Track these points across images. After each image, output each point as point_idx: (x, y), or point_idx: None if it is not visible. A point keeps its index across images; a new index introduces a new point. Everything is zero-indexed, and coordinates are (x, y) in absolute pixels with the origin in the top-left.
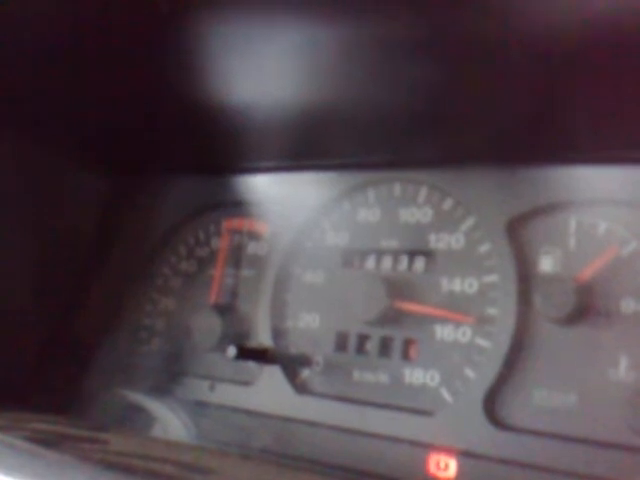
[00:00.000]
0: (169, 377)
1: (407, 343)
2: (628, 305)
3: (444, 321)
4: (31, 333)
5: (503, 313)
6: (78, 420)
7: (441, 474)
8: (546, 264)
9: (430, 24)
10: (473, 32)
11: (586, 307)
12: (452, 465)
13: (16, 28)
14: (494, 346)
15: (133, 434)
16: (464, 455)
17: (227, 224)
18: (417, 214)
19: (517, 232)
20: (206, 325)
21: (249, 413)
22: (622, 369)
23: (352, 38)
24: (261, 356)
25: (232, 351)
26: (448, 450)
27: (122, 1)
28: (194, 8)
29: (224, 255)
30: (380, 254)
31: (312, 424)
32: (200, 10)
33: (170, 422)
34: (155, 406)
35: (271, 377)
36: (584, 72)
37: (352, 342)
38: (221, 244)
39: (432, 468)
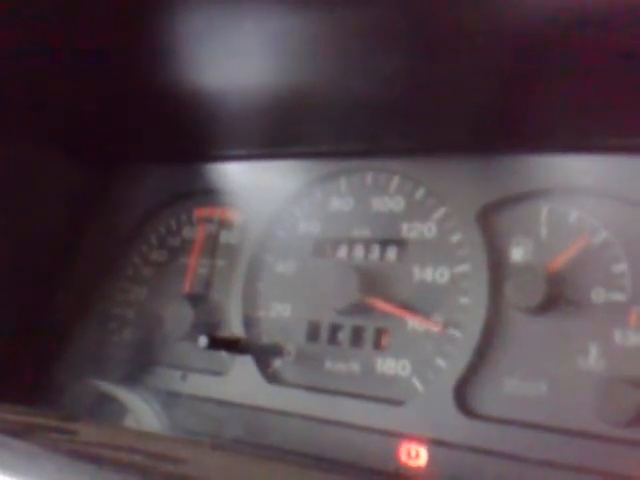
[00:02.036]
0: (140, 367)
1: (379, 333)
2: (598, 294)
3: None
4: (1, 324)
5: (474, 303)
6: (48, 410)
7: (412, 463)
8: (517, 253)
9: (402, 13)
10: (445, 21)
11: (557, 296)
12: (423, 454)
13: None
14: (465, 336)
15: (103, 424)
16: (435, 444)
17: (199, 212)
18: (389, 203)
19: (488, 221)
20: (178, 314)
21: (221, 403)
22: (592, 358)
23: (324, 26)
24: (233, 346)
25: (203, 341)
26: (419, 439)
27: None
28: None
29: (199, 244)
30: (352, 243)
31: (284, 414)
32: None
33: (142, 412)
34: (127, 396)
35: (243, 367)
36: (554, 61)
37: (324, 332)
38: (196, 233)
39: (403, 457)
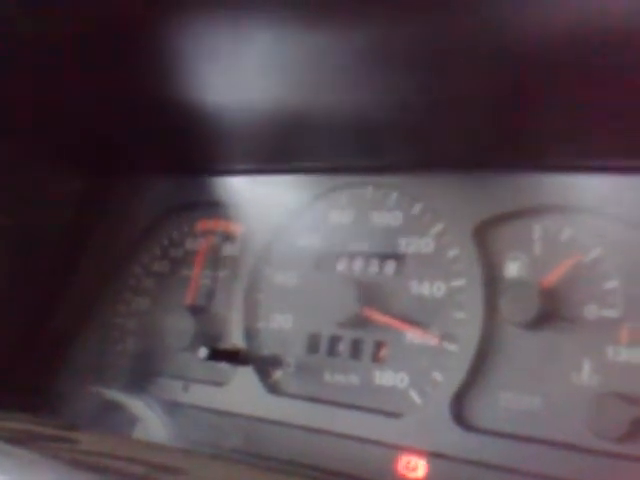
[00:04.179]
0: (143, 377)
1: (377, 345)
2: (591, 311)
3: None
4: (4, 333)
5: (470, 317)
6: (50, 419)
7: (410, 475)
8: (512, 269)
9: (403, 34)
10: (443, 41)
11: (550, 312)
12: (421, 466)
13: None
14: (461, 350)
15: (104, 434)
16: (432, 456)
17: (201, 225)
18: (388, 218)
19: (484, 237)
20: (179, 325)
21: (222, 413)
22: (585, 373)
23: (325, 46)
24: (233, 357)
25: (203, 352)
26: (417, 451)
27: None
28: (168, 12)
29: (202, 257)
30: (352, 257)
31: (283, 424)
32: (174, 14)
33: (148, 419)
34: (132, 403)
35: (244, 378)
36: (550, 83)
37: (324, 344)
38: (199, 245)
39: (401, 469)
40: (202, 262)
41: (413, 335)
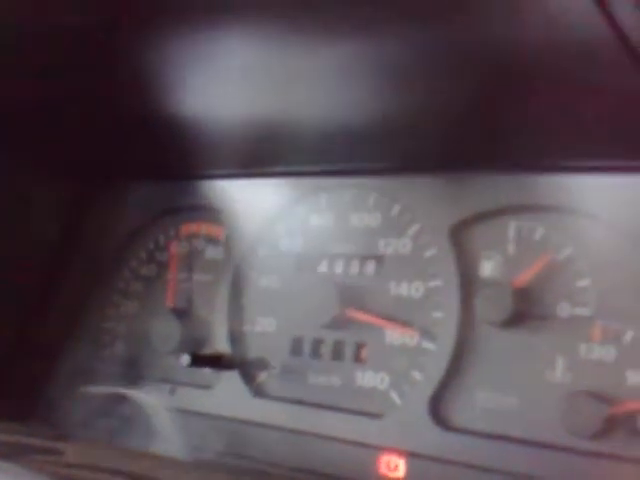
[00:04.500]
0: (130, 381)
1: (358, 346)
2: (563, 309)
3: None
4: None
5: (447, 317)
6: (38, 428)
7: (391, 474)
8: (486, 269)
9: (379, 45)
10: (419, 46)
11: (524, 311)
12: (402, 466)
13: None
14: (439, 349)
15: (90, 443)
16: (412, 456)
17: (185, 228)
18: (367, 219)
19: (460, 238)
20: (165, 330)
21: (208, 417)
22: (558, 371)
23: (301, 57)
24: (216, 362)
25: (186, 359)
26: (397, 451)
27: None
28: (151, 25)
29: (177, 259)
30: (332, 258)
31: (268, 427)
32: (157, 26)
33: (136, 425)
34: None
35: (229, 381)
36: (522, 84)
37: (307, 346)
38: (174, 248)
39: (383, 469)
40: (181, 265)
41: (393, 335)
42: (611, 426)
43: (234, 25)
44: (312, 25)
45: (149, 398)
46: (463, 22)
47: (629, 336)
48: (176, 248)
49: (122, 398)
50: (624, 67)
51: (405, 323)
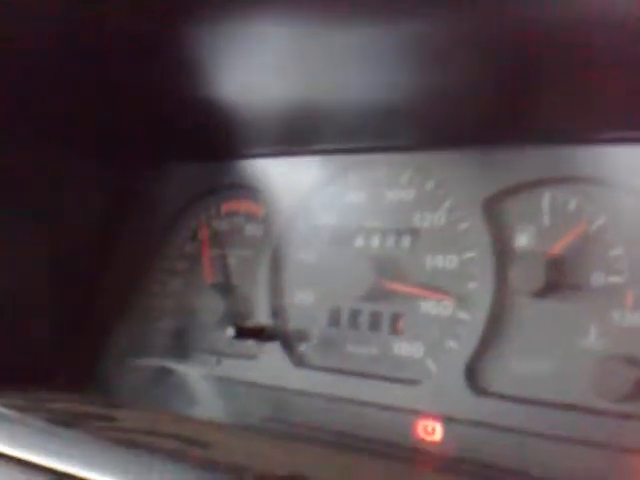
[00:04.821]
0: (179, 352)
1: (395, 317)
2: (597, 278)
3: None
4: (51, 319)
5: (481, 287)
6: (94, 397)
7: (428, 438)
8: (521, 240)
9: (410, 29)
10: (449, 36)
11: (557, 280)
12: (438, 429)
13: (17, 27)
14: (473, 319)
15: (143, 410)
16: (448, 420)
17: (225, 207)
18: (401, 194)
19: (493, 210)
20: (210, 304)
21: (252, 385)
22: (592, 338)
23: (336, 41)
24: (259, 334)
25: (231, 332)
26: (434, 416)
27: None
28: (187, 26)
29: (218, 237)
30: (368, 233)
31: (309, 394)
32: (193, 27)
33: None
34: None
35: (271, 352)
36: (549, 68)
37: (344, 317)
38: (215, 226)
39: (420, 432)
40: (226, 242)
41: (428, 306)
42: None
43: (271, 10)
44: (348, 9)
45: (195, 370)
46: (494, 3)
47: None
48: (217, 226)
49: (171, 370)
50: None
51: (441, 292)
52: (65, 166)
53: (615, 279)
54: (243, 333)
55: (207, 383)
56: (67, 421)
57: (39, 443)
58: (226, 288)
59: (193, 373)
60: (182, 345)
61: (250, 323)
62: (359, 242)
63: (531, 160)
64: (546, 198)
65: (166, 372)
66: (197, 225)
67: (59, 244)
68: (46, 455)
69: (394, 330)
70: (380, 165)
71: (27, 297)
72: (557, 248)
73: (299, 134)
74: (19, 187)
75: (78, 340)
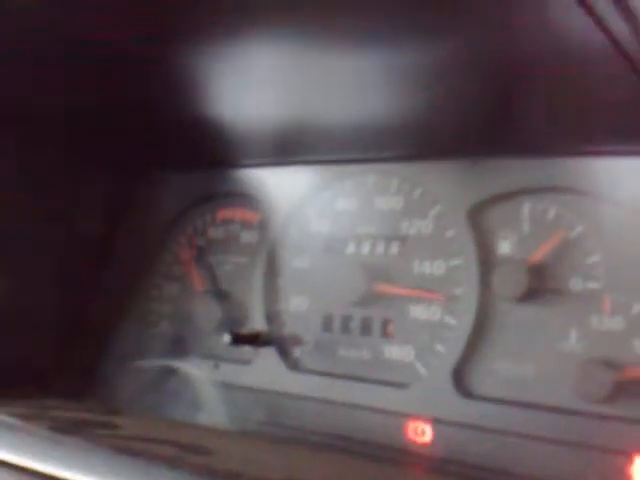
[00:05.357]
0: (176, 357)
1: (385, 322)
2: (575, 283)
3: (417, 302)
4: (50, 324)
5: (467, 293)
6: (94, 404)
7: (419, 439)
8: (503, 248)
9: (398, 51)
10: (436, 54)
11: (538, 286)
12: (428, 431)
13: (20, 35)
14: (460, 323)
15: (141, 416)
16: (438, 422)
17: (220, 214)
18: (390, 202)
19: (477, 219)
20: (206, 310)
21: (248, 390)
22: (572, 341)
23: (327, 63)
24: (254, 340)
25: (227, 339)
26: (423, 418)
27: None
28: (183, 48)
29: (214, 244)
30: (359, 240)
31: (304, 398)
32: (188, 50)
33: (182, 398)
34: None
35: (267, 356)
36: (529, 84)
37: (337, 322)
38: (210, 233)
39: (411, 434)
40: (221, 249)
41: (417, 311)
42: (619, 391)
43: (265, 28)
44: (337, 36)
45: (195, 371)
46: (469, 35)
47: (637, 308)
48: (212, 233)
49: (169, 374)
50: (617, 66)
51: (430, 292)
52: (64, 173)
53: (593, 285)
54: (239, 340)
55: (205, 388)
56: (68, 429)
57: (40, 450)
58: (221, 294)
59: (191, 377)
60: (180, 350)
61: (245, 329)
62: (351, 249)
63: (512, 171)
64: (526, 207)
65: (164, 376)
66: (192, 232)
67: (57, 251)
68: (47, 462)
69: (384, 334)
70: (370, 174)
71: (26, 302)
72: (538, 255)
73: (292, 146)
74: (19, 193)
75: (76, 344)
